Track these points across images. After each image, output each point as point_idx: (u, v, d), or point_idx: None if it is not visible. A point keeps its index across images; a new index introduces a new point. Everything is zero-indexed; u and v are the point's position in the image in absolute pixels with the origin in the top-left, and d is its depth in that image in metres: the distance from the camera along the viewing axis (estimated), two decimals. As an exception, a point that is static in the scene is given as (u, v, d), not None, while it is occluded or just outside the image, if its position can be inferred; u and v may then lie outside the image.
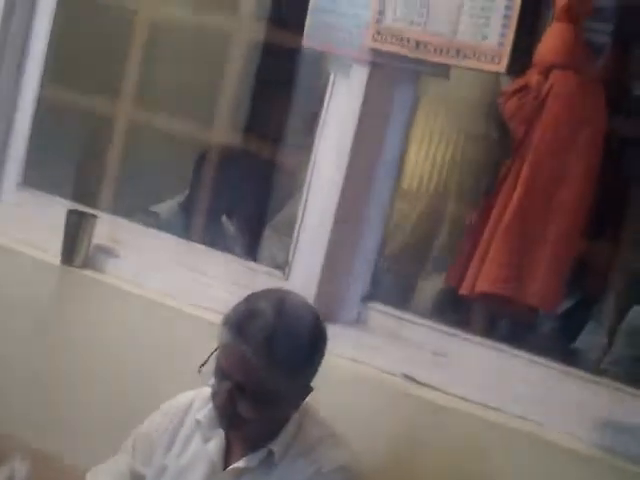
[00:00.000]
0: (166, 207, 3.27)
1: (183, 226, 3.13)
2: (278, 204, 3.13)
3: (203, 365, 1.97)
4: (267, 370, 1.88)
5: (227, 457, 2.04)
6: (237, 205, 3.27)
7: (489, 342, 2.33)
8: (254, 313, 1.92)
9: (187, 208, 3.21)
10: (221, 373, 1.94)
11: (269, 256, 2.97)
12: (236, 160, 3.14)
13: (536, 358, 2.27)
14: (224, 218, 3.23)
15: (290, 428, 1.99)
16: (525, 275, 1.99)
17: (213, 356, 1.96)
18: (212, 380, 1.97)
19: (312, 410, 2.05)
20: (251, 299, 1.97)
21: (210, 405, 2.01)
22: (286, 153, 3.02)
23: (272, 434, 1.98)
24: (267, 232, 3.10)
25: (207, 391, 2.01)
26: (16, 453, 2.16)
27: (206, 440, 2.05)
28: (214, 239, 2.94)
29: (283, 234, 2.89)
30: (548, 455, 2.09)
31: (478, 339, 2.35)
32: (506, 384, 2.25)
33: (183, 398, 2.14)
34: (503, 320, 2.54)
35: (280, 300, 1.97)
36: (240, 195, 3.24)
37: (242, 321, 1.92)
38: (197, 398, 2.09)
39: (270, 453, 1.98)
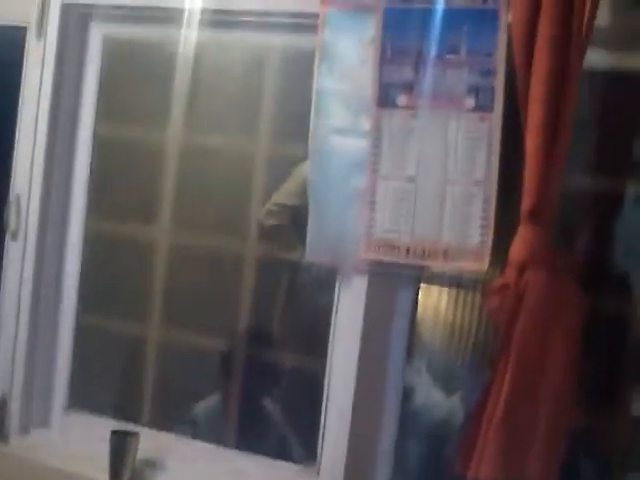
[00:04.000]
0: (201, 410, 3.36)
1: (219, 429, 3.28)
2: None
3: None
4: None
5: None
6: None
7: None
8: None
9: (221, 409, 3.33)
10: None
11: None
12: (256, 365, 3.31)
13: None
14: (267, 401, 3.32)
15: None
16: (523, 457, 2.17)
17: None
18: None
19: None
20: None
21: None
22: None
23: None
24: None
25: None
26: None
27: None
28: (250, 439, 3.11)
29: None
30: None
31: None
32: None
33: None
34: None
35: None
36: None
37: None
38: None
39: None
